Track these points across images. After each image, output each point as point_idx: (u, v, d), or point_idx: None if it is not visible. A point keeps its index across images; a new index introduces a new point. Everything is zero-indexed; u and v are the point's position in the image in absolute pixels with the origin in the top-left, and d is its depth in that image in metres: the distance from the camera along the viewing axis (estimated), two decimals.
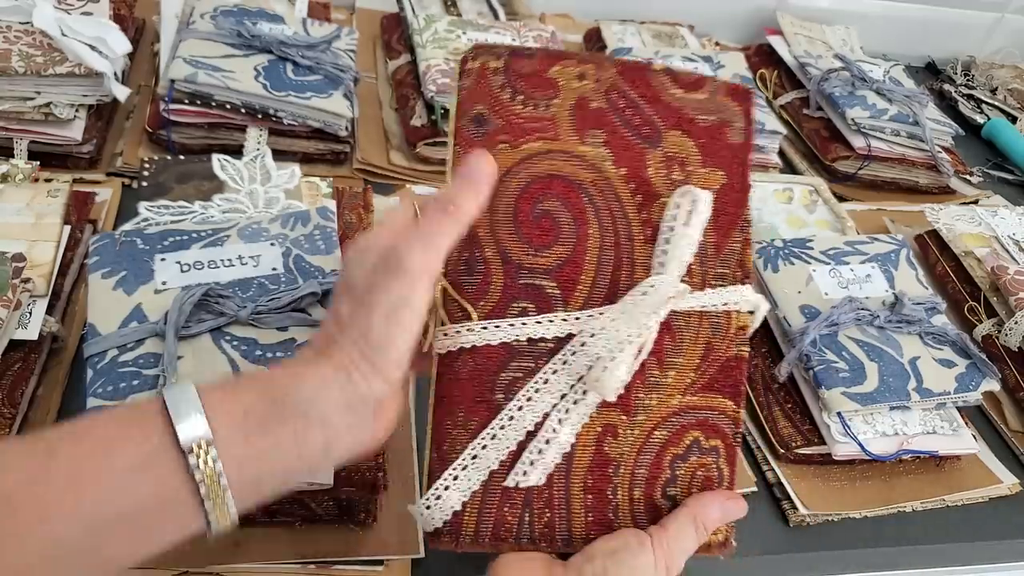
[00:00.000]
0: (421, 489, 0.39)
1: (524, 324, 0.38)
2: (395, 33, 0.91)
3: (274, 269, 0.53)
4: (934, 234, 0.80)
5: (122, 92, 0.70)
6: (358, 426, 0.36)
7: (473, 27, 0.86)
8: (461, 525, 0.38)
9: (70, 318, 0.57)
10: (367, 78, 0.86)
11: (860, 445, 0.57)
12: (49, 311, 0.53)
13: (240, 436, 0.33)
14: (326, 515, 0.49)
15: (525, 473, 0.38)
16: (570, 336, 0.38)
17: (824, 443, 0.58)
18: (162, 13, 0.79)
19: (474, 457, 0.38)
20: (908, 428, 0.59)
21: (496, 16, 0.97)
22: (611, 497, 0.39)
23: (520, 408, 0.38)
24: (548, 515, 0.38)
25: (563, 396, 0.38)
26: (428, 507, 0.38)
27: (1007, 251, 0.77)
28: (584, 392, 0.38)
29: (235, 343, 0.49)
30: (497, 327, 0.38)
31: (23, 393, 0.50)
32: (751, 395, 0.62)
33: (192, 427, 0.32)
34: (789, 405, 0.61)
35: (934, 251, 0.80)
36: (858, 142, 0.90)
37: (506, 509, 0.38)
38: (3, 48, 0.65)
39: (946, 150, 0.94)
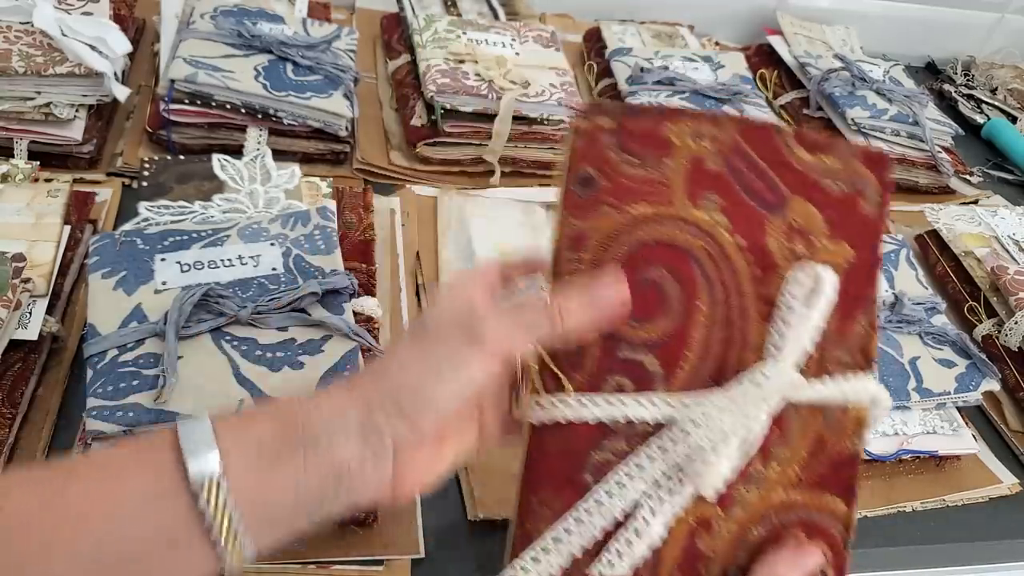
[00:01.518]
0: (505, 557, 0.37)
1: (623, 404, 0.35)
2: (395, 33, 0.91)
3: (274, 269, 0.53)
4: (934, 234, 0.80)
5: (122, 92, 0.70)
6: (373, 463, 0.34)
7: (473, 27, 0.86)
8: None
9: (70, 318, 0.57)
10: (367, 78, 0.86)
11: None
12: (49, 311, 0.53)
13: (253, 470, 0.32)
14: None
15: (611, 564, 0.34)
16: (670, 420, 0.35)
17: None
18: (162, 13, 0.79)
19: (556, 540, 0.35)
20: (908, 428, 0.59)
21: (496, 16, 0.97)
22: None
23: (610, 493, 0.35)
24: None
25: (657, 484, 0.35)
26: None
27: (1007, 251, 0.77)
28: (680, 482, 0.35)
29: (235, 343, 0.49)
30: (595, 404, 0.35)
31: (23, 393, 0.50)
32: None
33: (203, 463, 0.31)
34: None
35: (934, 251, 0.80)
36: (858, 142, 0.90)
37: None
38: (3, 48, 0.65)
39: (946, 150, 0.94)
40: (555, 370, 0.36)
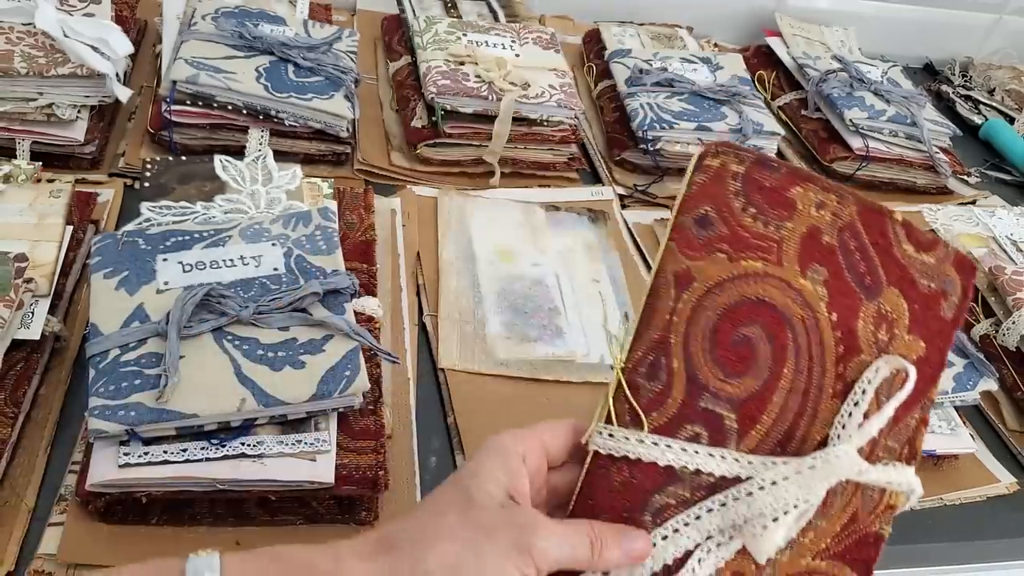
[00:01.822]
0: None
1: (697, 453, 0.36)
2: (396, 35, 0.91)
3: (275, 269, 0.54)
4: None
5: (124, 93, 0.70)
6: None
7: (473, 29, 0.87)
8: None
9: (72, 318, 0.57)
10: (368, 79, 0.86)
11: None
12: (51, 311, 0.53)
13: None
14: (327, 514, 0.49)
15: None
16: (737, 477, 0.36)
17: None
18: (164, 14, 0.80)
19: (606, 574, 0.35)
20: None
21: (496, 18, 0.97)
22: None
23: (665, 538, 0.35)
24: None
25: (709, 536, 0.35)
26: None
27: (1004, 251, 0.77)
28: (731, 537, 0.35)
29: (237, 343, 0.49)
30: (668, 447, 0.35)
31: (25, 393, 0.50)
32: None
33: None
34: None
35: None
36: (856, 143, 0.90)
37: None
38: (6, 49, 0.66)
39: (944, 151, 0.94)
40: (635, 406, 0.36)
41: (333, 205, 0.62)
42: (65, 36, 0.67)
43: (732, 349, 0.36)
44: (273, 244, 0.55)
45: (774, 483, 0.35)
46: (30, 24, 0.68)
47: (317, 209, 0.59)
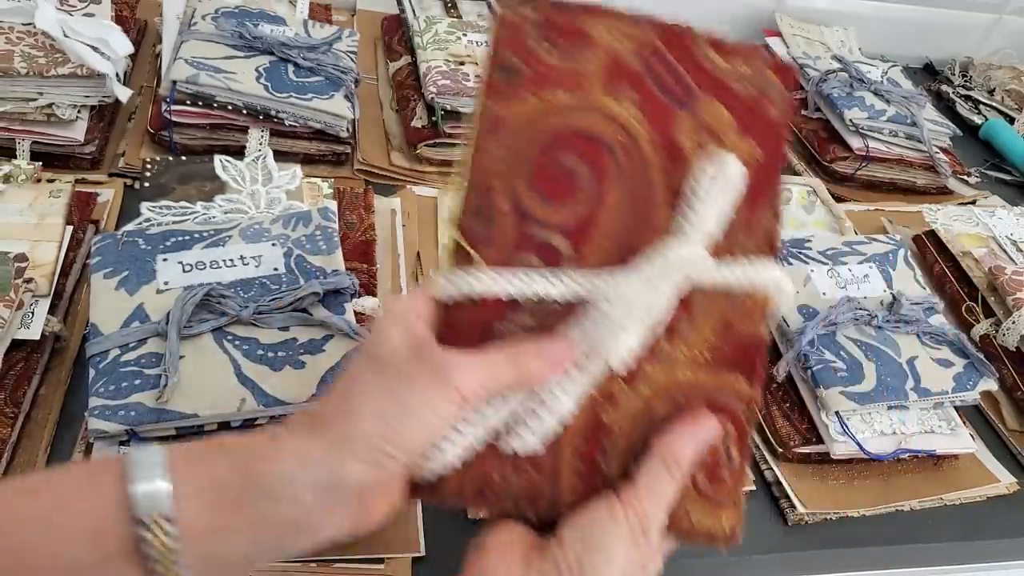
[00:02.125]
0: None
1: (532, 279, 0.36)
2: (396, 35, 0.91)
3: (275, 269, 0.54)
4: (932, 234, 0.81)
5: (124, 93, 0.70)
6: (338, 511, 0.33)
7: (474, 28, 0.87)
8: (446, 480, 0.36)
9: (72, 318, 0.57)
10: (368, 79, 0.86)
11: (858, 444, 0.58)
12: (51, 311, 0.53)
13: (205, 511, 0.30)
14: None
15: (522, 438, 0.36)
16: (579, 297, 0.36)
17: (822, 442, 0.59)
18: (164, 14, 0.80)
19: (479, 412, 0.35)
20: (906, 427, 0.60)
21: None
22: (602, 467, 0.37)
23: None
24: (535, 477, 0.36)
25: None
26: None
27: (1004, 251, 0.77)
28: (589, 358, 0.36)
29: (237, 343, 0.49)
30: (504, 279, 0.36)
31: (25, 393, 0.50)
32: None
33: (150, 496, 0.29)
34: (787, 404, 0.62)
35: (932, 251, 0.80)
36: (856, 143, 0.90)
37: (492, 467, 0.36)
38: (5, 49, 0.66)
39: (944, 151, 0.94)
40: (466, 247, 0.37)
41: (333, 205, 0.62)
42: (65, 36, 0.67)
43: (555, 179, 0.37)
44: (273, 244, 0.55)
45: (621, 295, 0.36)
46: (30, 24, 0.68)
47: (317, 209, 0.59)
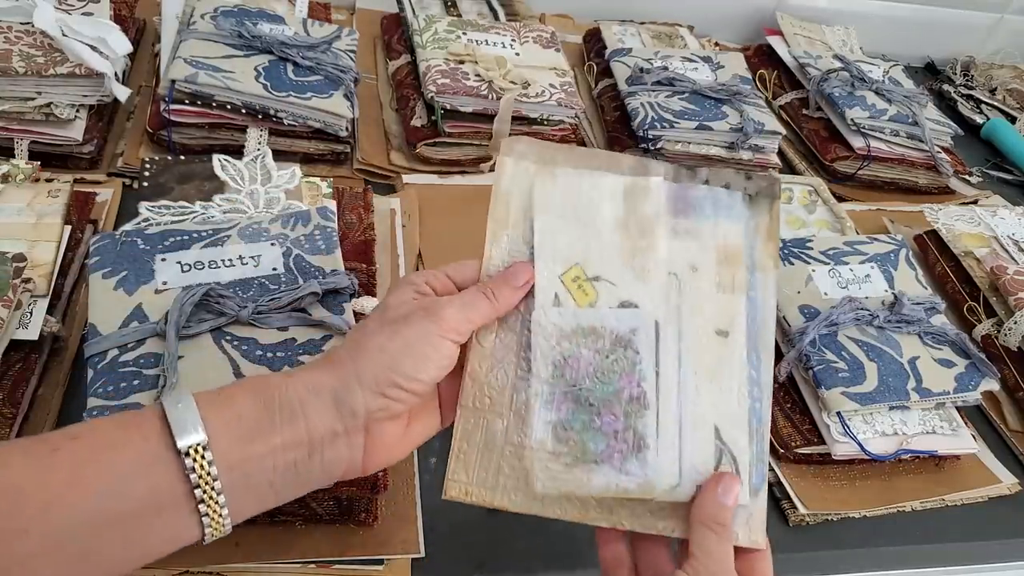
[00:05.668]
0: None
1: None
2: (395, 33, 0.91)
3: (274, 269, 0.54)
4: (933, 234, 0.80)
5: (123, 92, 0.70)
6: (346, 438, 0.37)
7: (473, 27, 0.87)
8: None
9: (71, 318, 0.57)
10: (367, 78, 0.86)
11: (859, 445, 0.57)
12: (50, 311, 0.53)
13: (234, 440, 0.35)
14: (326, 515, 0.49)
15: None
16: None
17: (824, 443, 0.58)
18: (163, 14, 0.79)
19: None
20: (907, 428, 0.60)
21: (496, 17, 0.97)
22: None
23: None
24: None
25: None
26: None
27: (1006, 251, 0.77)
28: None
29: (236, 343, 0.49)
30: None
31: (24, 393, 0.50)
32: None
33: (189, 432, 0.34)
34: (789, 405, 0.61)
35: (933, 251, 0.80)
36: (857, 142, 0.90)
37: None
38: (4, 48, 0.65)
39: (945, 150, 0.94)
40: None
41: (332, 204, 0.62)
42: (64, 35, 0.67)
43: None
44: (272, 244, 0.55)
45: None
46: (28, 23, 0.68)
47: (316, 209, 0.59)
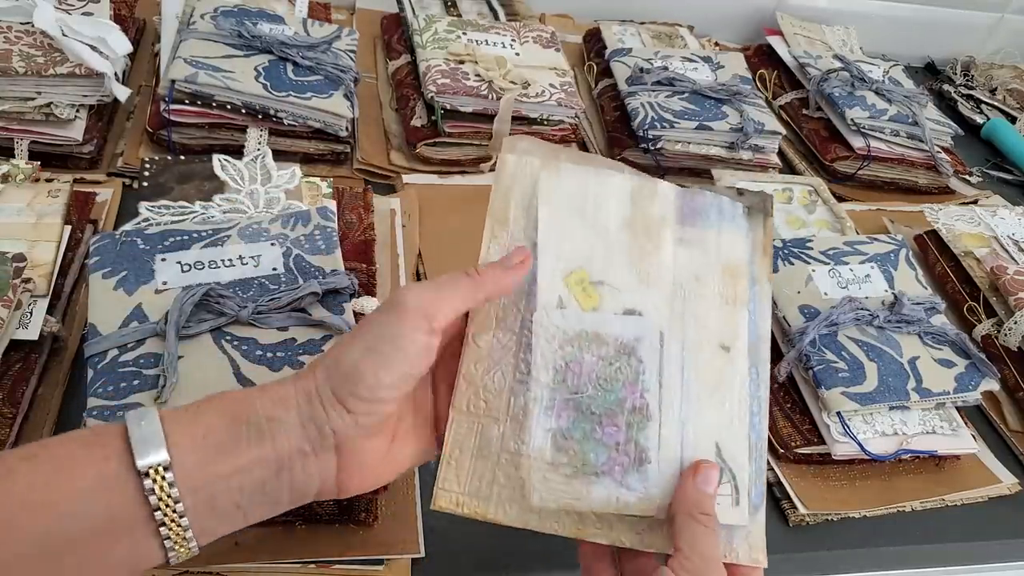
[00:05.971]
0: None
1: None
2: (395, 33, 0.91)
3: (274, 269, 0.54)
4: (933, 234, 0.80)
5: (123, 92, 0.70)
6: (314, 457, 0.35)
7: (473, 27, 0.87)
8: None
9: (71, 318, 0.57)
10: (367, 78, 0.86)
11: (859, 445, 0.57)
12: (50, 311, 0.53)
13: (199, 460, 0.33)
14: (327, 515, 0.49)
15: None
16: None
17: (824, 443, 0.58)
18: (163, 13, 0.79)
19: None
20: (907, 428, 0.60)
21: (496, 17, 0.97)
22: None
23: None
24: None
25: None
26: None
27: (1006, 251, 0.77)
28: None
29: (235, 343, 0.49)
30: None
31: (24, 393, 0.50)
32: None
33: (150, 451, 0.32)
34: (788, 405, 0.61)
35: (933, 251, 0.80)
36: (857, 142, 0.90)
37: None
38: (4, 48, 0.65)
39: (945, 150, 0.94)
40: None
41: (332, 204, 0.62)
42: (63, 35, 0.67)
43: None
44: (272, 244, 0.55)
45: None
46: (28, 23, 0.68)
47: (316, 209, 0.59)
